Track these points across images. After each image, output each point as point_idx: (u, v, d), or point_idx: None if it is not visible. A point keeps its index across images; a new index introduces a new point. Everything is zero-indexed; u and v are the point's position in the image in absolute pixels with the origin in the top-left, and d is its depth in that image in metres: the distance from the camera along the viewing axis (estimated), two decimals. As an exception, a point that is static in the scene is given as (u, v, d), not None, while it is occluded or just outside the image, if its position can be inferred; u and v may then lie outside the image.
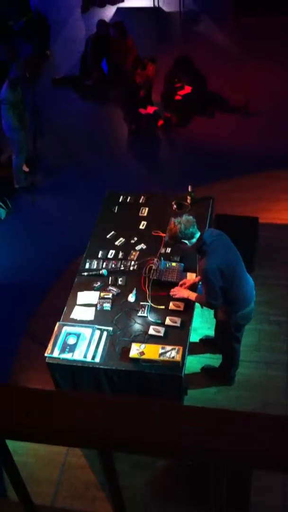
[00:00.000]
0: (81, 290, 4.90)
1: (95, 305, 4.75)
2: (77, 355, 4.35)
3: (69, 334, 4.49)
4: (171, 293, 4.68)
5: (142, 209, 5.70)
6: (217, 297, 4.25)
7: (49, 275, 6.42)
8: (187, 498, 4.24)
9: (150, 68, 8.31)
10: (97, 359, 4.32)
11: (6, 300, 6.22)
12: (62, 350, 4.39)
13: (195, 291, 4.69)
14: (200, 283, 4.57)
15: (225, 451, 1.04)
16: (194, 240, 4.21)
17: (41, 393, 1.15)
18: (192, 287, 4.71)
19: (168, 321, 4.55)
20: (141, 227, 5.50)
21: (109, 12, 12.99)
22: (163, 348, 4.27)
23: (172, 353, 4.23)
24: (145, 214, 5.65)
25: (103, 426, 1.07)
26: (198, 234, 4.20)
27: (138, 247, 5.27)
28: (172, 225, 4.24)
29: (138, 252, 5.21)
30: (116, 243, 5.34)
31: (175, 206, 5.65)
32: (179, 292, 4.64)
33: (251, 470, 4.10)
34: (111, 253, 5.23)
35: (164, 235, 5.27)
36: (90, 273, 5.04)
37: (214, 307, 4.45)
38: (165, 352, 4.24)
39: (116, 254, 5.21)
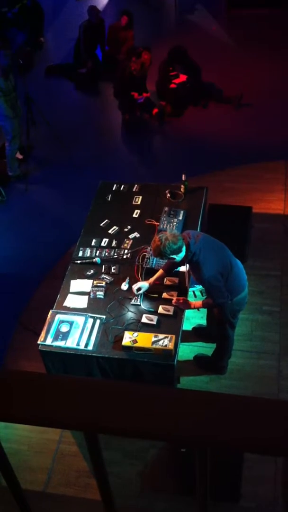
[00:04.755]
0: (74, 278, 4.89)
1: (88, 293, 4.75)
2: (70, 343, 4.35)
3: (62, 322, 4.49)
4: (175, 302, 4.57)
5: (136, 198, 5.69)
6: (225, 295, 4.31)
7: (42, 265, 6.40)
8: (178, 488, 4.26)
9: (145, 56, 8.27)
10: (90, 347, 4.32)
11: (-1, 290, 6.20)
12: (55, 338, 4.38)
13: (185, 285, 4.71)
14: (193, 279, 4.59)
15: (211, 436, 1.04)
16: (182, 254, 4.18)
17: (31, 376, 1.15)
18: (184, 281, 4.72)
19: (161, 309, 4.55)
20: (134, 215, 5.49)
21: (103, -1, 12.91)
22: (156, 336, 4.27)
23: (165, 341, 4.23)
24: (139, 202, 5.64)
25: (89, 409, 1.07)
26: (184, 247, 4.17)
27: (131, 236, 5.26)
28: (158, 242, 4.14)
29: (131, 241, 5.21)
30: (110, 231, 5.33)
31: (168, 195, 5.64)
32: (184, 306, 4.57)
33: (242, 460, 4.13)
34: (104, 241, 5.22)
35: (158, 223, 5.27)
36: (83, 261, 5.03)
37: (225, 305, 4.43)
38: (158, 341, 4.24)
39: (110, 243, 5.20)
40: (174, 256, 4.18)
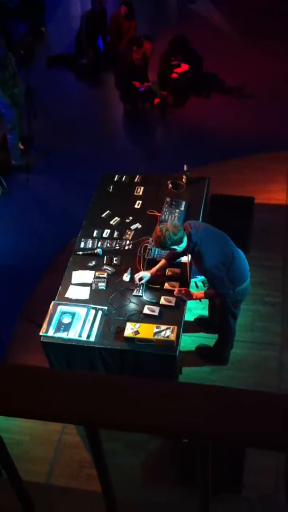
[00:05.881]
0: (76, 270, 4.88)
1: (90, 285, 4.74)
2: (72, 334, 4.34)
3: (64, 313, 4.48)
4: (177, 293, 4.57)
5: (137, 189, 5.67)
6: (227, 285, 4.31)
7: (44, 256, 6.39)
8: (179, 479, 4.27)
9: (146, 46, 8.22)
10: (92, 338, 4.32)
11: (1, 283, 6.19)
12: (57, 329, 4.38)
13: (187, 277, 4.70)
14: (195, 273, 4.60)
15: (212, 431, 1.03)
16: (183, 244, 4.19)
17: (28, 370, 1.15)
18: (185, 271, 4.72)
19: (163, 300, 4.54)
20: (136, 206, 5.47)
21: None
22: (157, 327, 4.27)
23: (167, 332, 4.23)
24: (140, 193, 5.62)
25: (89, 404, 1.07)
26: (185, 237, 4.17)
27: (133, 227, 5.25)
28: (159, 232, 4.16)
29: (133, 232, 5.20)
30: (111, 222, 5.32)
31: (170, 185, 5.62)
32: (186, 297, 4.56)
33: (243, 451, 4.13)
34: (106, 233, 5.21)
35: (159, 214, 5.26)
36: (85, 252, 5.02)
37: (228, 296, 4.43)
38: (160, 332, 4.24)
39: (111, 234, 5.19)
40: (175, 247, 4.18)
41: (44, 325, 4.42)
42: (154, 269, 4.66)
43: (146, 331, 4.25)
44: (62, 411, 1.08)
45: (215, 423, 1.01)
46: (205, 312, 5.37)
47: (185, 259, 4.73)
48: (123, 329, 4.30)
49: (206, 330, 5.31)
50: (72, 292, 4.70)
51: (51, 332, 4.37)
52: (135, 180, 5.78)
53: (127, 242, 5.09)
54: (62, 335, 4.36)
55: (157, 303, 4.54)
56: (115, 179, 5.81)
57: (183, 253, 4.40)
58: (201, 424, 1.01)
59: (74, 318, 4.44)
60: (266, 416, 1.02)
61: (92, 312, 4.49)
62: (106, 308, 4.52)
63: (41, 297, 5.64)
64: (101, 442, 1.18)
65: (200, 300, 4.78)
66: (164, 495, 4.27)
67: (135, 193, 5.62)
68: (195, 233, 4.20)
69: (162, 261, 4.67)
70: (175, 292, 4.55)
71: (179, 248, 4.21)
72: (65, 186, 7.47)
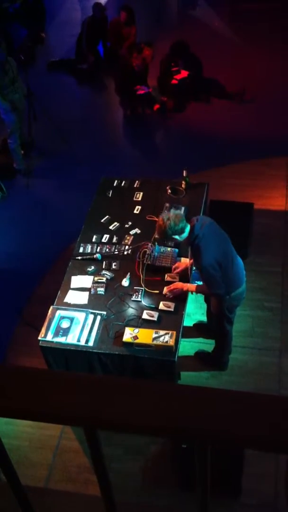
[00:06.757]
0: (75, 274, 4.88)
1: (89, 289, 4.74)
2: (71, 339, 4.34)
3: (62, 318, 4.49)
4: (166, 292, 4.60)
5: (137, 194, 5.68)
6: (221, 286, 4.31)
7: (43, 260, 6.39)
8: (179, 484, 4.26)
9: (146, 52, 8.25)
10: (91, 343, 4.32)
11: (0, 286, 6.19)
12: (56, 334, 4.38)
13: (188, 279, 4.70)
14: (195, 270, 4.59)
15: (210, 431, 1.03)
16: (184, 234, 4.21)
17: (29, 372, 1.15)
18: (186, 274, 4.72)
19: (161, 305, 4.55)
20: (135, 211, 5.48)
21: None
22: (156, 332, 4.27)
23: (166, 337, 4.23)
24: (140, 198, 5.63)
25: (89, 405, 1.07)
26: (188, 228, 4.19)
27: (132, 232, 5.25)
28: (160, 222, 4.20)
29: (132, 237, 5.20)
30: (111, 227, 5.32)
31: (169, 191, 5.63)
32: (176, 287, 4.58)
33: (242, 456, 4.13)
34: (105, 238, 5.21)
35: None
36: (84, 257, 5.03)
37: (221, 296, 4.43)
38: (159, 337, 4.24)
39: (110, 239, 5.20)
40: (176, 236, 4.21)
41: (43, 330, 4.42)
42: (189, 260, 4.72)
43: (145, 336, 4.25)
44: (61, 411, 1.08)
45: (215, 423, 1.01)
46: (204, 318, 5.37)
47: (185, 260, 4.74)
48: (122, 334, 4.31)
49: (205, 336, 5.31)
50: (71, 297, 4.70)
51: (49, 337, 4.37)
52: (135, 185, 5.79)
53: (126, 247, 5.09)
54: (61, 339, 4.36)
55: (156, 308, 4.55)
56: (115, 184, 5.83)
57: (184, 243, 4.41)
58: (201, 424, 1.02)
59: (73, 322, 4.44)
60: (266, 417, 1.02)
61: (91, 317, 4.49)
62: (105, 313, 4.52)
63: (40, 300, 5.66)
64: (101, 444, 1.19)
65: (191, 293, 4.76)
66: (164, 499, 4.26)
67: (134, 198, 5.63)
68: (199, 227, 4.21)
69: None
70: (166, 292, 4.58)
71: (180, 238, 4.23)
72: (64, 189, 7.49)
